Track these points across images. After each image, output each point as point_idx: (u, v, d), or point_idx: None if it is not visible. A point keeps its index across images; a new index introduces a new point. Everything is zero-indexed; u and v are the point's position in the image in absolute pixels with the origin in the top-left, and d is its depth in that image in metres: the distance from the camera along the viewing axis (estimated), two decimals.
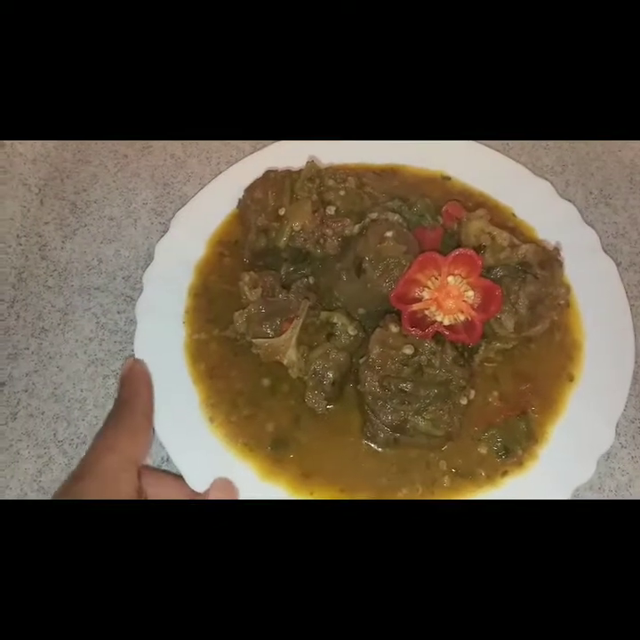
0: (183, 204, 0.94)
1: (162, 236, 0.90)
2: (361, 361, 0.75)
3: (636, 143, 1.11)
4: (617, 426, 0.76)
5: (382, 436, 0.75)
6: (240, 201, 0.90)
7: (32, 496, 0.78)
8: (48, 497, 0.77)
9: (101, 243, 0.98)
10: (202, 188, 0.95)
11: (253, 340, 0.76)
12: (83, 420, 0.84)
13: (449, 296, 0.72)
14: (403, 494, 0.75)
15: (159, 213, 1.01)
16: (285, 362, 0.76)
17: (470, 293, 0.72)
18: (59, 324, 0.91)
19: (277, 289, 0.82)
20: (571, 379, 0.82)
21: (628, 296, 0.85)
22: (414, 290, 0.74)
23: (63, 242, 0.98)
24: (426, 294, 0.73)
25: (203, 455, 0.75)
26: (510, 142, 1.09)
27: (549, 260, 0.74)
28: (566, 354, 0.84)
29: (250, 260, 0.89)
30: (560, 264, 0.76)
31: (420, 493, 0.75)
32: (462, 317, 0.73)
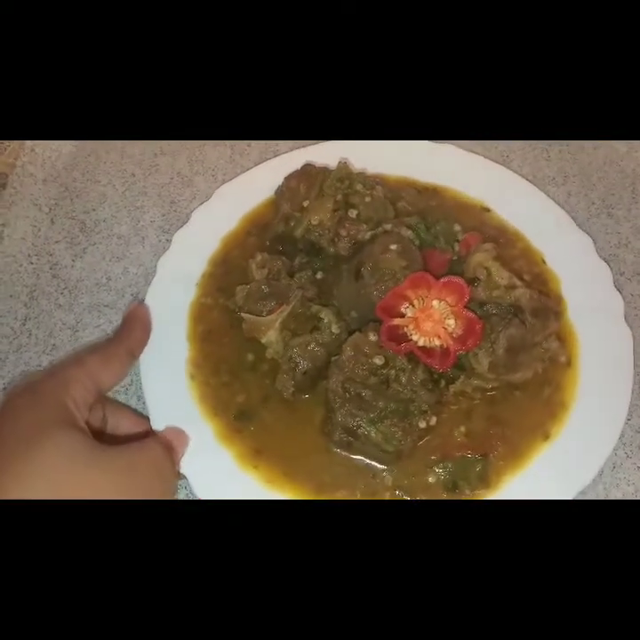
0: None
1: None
2: (333, 359, 0.77)
3: (638, 153, 1.09)
4: (622, 436, 0.76)
5: (337, 435, 0.77)
6: (279, 187, 0.96)
7: None
8: None
9: (110, 261, 1.01)
10: (247, 171, 1.01)
11: (242, 314, 0.81)
12: None
13: (430, 319, 0.73)
14: (339, 495, 0.76)
15: (166, 231, 1.04)
16: (263, 341, 0.80)
17: (451, 321, 0.72)
18: (69, 341, 0.94)
19: (283, 275, 0.86)
20: (546, 437, 0.79)
21: (630, 306, 0.84)
22: (400, 304, 0.75)
23: (73, 260, 1.01)
24: (409, 312, 0.74)
25: (173, 402, 0.82)
26: (511, 155, 1.08)
27: (545, 309, 0.73)
28: (550, 411, 0.81)
29: (270, 243, 0.94)
30: (557, 316, 0.74)
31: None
32: (437, 342, 0.73)
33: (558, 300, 0.74)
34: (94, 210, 1.07)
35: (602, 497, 0.78)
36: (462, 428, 0.80)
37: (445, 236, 0.85)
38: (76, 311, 0.97)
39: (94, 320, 0.96)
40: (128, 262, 1.01)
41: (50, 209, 1.07)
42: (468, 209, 0.98)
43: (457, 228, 0.91)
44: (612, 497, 0.78)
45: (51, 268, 1.01)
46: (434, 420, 0.76)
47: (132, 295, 0.98)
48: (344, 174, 0.87)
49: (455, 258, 0.85)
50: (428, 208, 0.96)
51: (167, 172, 1.11)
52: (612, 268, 0.90)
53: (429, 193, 1.00)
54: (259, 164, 1.05)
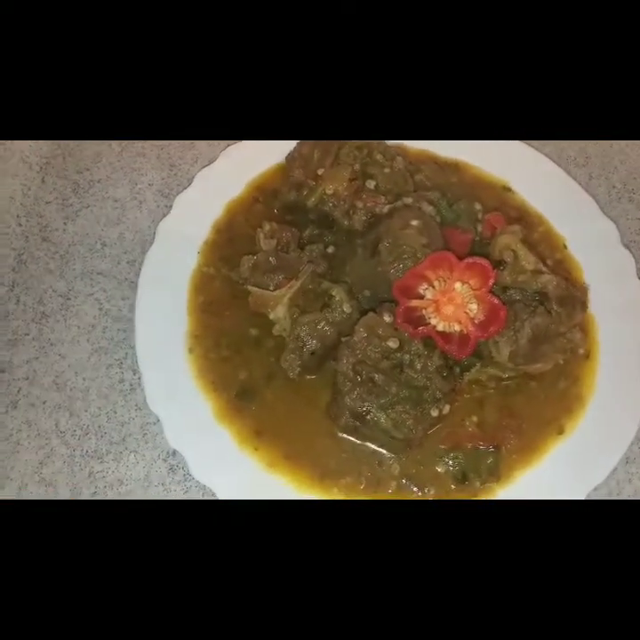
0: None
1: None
2: (343, 339, 0.72)
3: None
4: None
5: (343, 419, 0.73)
6: (290, 153, 0.89)
7: (33, 488, 0.75)
8: (50, 489, 0.75)
9: (105, 225, 0.94)
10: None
11: (249, 287, 0.76)
12: (85, 411, 0.80)
13: (451, 302, 0.68)
14: (344, 482, 0.73)
15: (165, 195, 0.97)
16: (271, 316, 0.75)
17: (474, 306, 0.68)
18: (60, 310, 0.88)
19: (292, 246, 0.81)
20: (560, 431, 0.76)
21: None
22: (419, 285, 0.71)
23: (65, 223, 0.94)
24: (428, 294, 0.70)
25: (170, 378, 0.77)
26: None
27: (571, 298, 0.68)
28: (566, 405, 0.78)
29: (279, 212, 0.88)
30: (583, 307, 0.70)
31: (361, 488, 0.73)
32: (457, 328, 0.69)
33: (584, 289, 0.70)
34: (88, 169, 0.99)
35: (614, 492, 0.76)
36: (474, 418, 0.76)
37: (468, 215, 0.80)
38: (67, 278, 0.90)
39: (87, 288, 0.89)
40: (124, 227, 0.94)
41: (40, 167, 0.99)
42: (489, 187, 0.93)
43: (477, 206, 0.86)
44: (624, 493, 0.76)
45: (40, 231, 0.94)
46: (447, 409, 0.72)
47: (128, 263, 0.91)
48: (363, 142, 0.81)
49: (477, 238, 0.80)
50: (448, 184, 0.91)
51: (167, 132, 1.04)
52: (634, 256, 0.86)
53: (451, 168, 0.94)
54: None
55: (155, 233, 0.93)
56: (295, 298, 0.75)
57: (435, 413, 0.71)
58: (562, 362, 0.73)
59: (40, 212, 0.95)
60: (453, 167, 0.95)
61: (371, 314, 0.72)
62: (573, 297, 0.69)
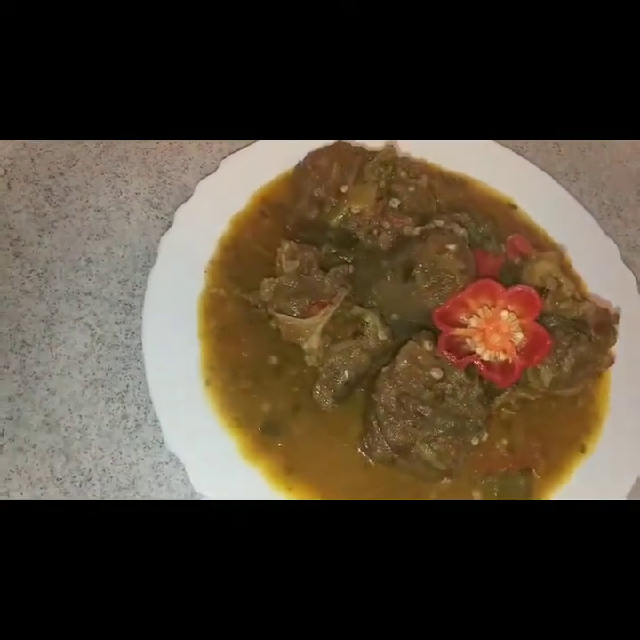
0: (185, 198, 0.81)
1: (164, 231, 0.78)
2: (383, 370, 0.69)
3: None
4: None
5: (380, 451, 0.70)
6: (299, 163, 0.84)
7: None
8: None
9: (88, 239, 0.83)
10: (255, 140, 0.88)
11: (277, 315, 0.70)
12: (85, 452, 0.71)
13: (497, 331, 0.67)
14: None
15: (156, 206, 0.86)
16: (305, 347, 0.70)
17: (520, 335, 0.68)
18: (43, 337, 0.76)
19: (315, 268, 0.76)
20: (582, 450, 0.78)
21: None
22: (461, 313, 0.69)
23: (40, 236, 0.81)
24: (473, 322, 0.68)
25: (189, 416, 0.70)
26: (524, 146, 1.06)
27: (607, 325, 0.70)
28: (583, 425, 0.80)
29: (292, 229, 0.82)
30: (614, 332, 0.72)
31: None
32: (503, 357, 0.68)
33: (616, 316, 0.71)
34: (62, 174, 0.87)
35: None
36: (504, 441, 0.76)
37: (495, 237, 0.79)
38: (48, 300, 0.79)
39: (74, 311, 0.78)
40: (111, 241, 0.84)
41: (5, 170, 0.86)
42: (496, 204, 0.93)
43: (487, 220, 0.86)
44: None
45: (11, 245, 0.81)
46: (485, 436, 0.71)
47: (119, 282, 0.81)
48: (389, 159, 0.77)
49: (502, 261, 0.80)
50: (457, 200, 0.90)
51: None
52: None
53: (456, 183, 0.93)
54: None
55: (148, 248, 0.85)
56: (326, 326, 0.71)
57: (475, 442, 0.70)
58: (591, 385, 0.74)
59: (8, 222, 0.82)
60: (459, 182, 0.94)
61: (411, 342, 0.70)
62: (609, 323, 0.70)
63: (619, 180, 1.07)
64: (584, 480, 0.76)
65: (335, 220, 0.76)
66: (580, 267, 0.90)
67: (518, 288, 0.67)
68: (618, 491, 0.75)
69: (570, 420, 0.80)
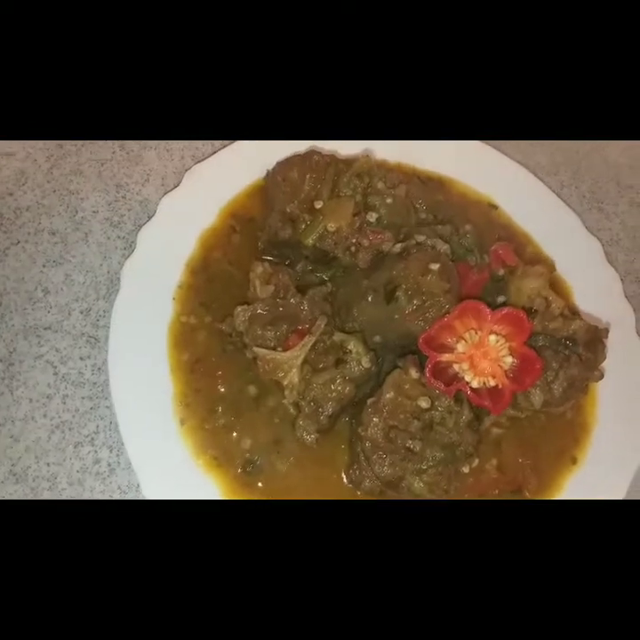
0: (147, 215, 0.75)
1: (128, 255, 0.73)
2: (369, 401, 0.66)
3: (618, 142, 1.06)
4: None
5: (368, 484, 0.67)
6: (268, 174, 0.78)
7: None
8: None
9: (44, 266, 0.76)
10: (224, 147, 0.81)
11: (255, 349, 0.66)
12: None
13: (486, 357, 0.64)
14: None
15: (116, 225, 0.80)
16: (285, 382, 0.66)
17: (509, 359, 0.64)
18: (3, 379, 0.70)
19: (291, 291, 0.71)
20: (573, 461, 0.76)
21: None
22: (447, 338, 0.65)
23: None
24: (460, 347, 0.65)
25: (165, 460, 0.66)
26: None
27: (597, 342, 0.67)
28: (573, 435, 0.78)
29: (264, 246, 0.77)
30: (604, 347, 0.69)
31: None
32: (492, 383, 0.65)
33: (605, 331, 0.69)
34: (11, 194, 0.80)
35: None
36: (494, 462, 0.74)
37: (477, 248, 0.75)
38: (4, 337, 0.73)
39: (33, 348, 0.73)
40: (70, 267, 0.78)
41: None
42: (475, 205, 0.89)
43: (468, 227, 0.82)
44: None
45: None
46: (476, 463, 0.69)
47: (81, 312, 0.75)
48: (365, 170, 0.72)
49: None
50: (435, 203, 0.85)
51: (106, 143, 0.85)
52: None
53: (434, 184, 0.88)
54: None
55: (110, 272, 0.79)
56: (307, 355, 0.67)
57: (466, 470, 0.67)
58: (582, 401, 0.72)
59: None
60: (437, 183, 0.89)
61: (397, 371, 0.66)
62: (598, 339, 0.68)
63: (597, 170, 1.04)
64: (577, 491, 0.74)
65: (311, 239, 0.71)
66: (563, 268, 0.87)
67: (505, 310, 0.63)
68: (612, 496, 0.73)
69: (559, 432, 0.78)
